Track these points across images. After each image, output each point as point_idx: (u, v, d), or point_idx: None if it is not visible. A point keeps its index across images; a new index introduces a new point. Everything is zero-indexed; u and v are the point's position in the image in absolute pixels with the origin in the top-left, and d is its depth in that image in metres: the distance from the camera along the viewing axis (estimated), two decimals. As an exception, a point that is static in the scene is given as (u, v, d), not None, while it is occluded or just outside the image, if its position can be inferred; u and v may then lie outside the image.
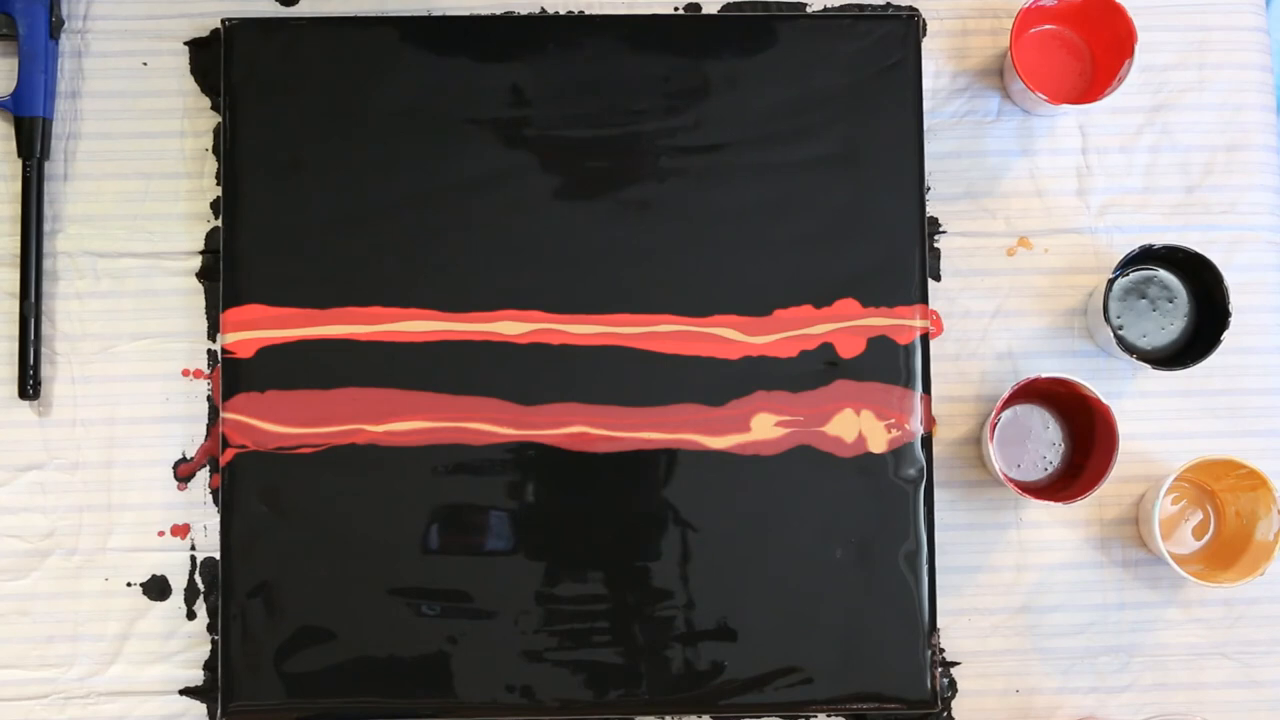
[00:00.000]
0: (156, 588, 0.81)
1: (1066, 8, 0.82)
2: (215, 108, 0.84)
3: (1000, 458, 0.81)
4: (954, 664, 0.81)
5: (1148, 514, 0.79)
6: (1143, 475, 0.82)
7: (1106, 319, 0.78)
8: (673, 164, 0.81)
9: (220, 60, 0.82)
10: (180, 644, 0.81)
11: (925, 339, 0.81)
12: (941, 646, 0.81)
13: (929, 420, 0.81)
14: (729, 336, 0.80)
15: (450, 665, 0.79)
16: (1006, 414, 0.82)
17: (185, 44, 0.84)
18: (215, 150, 0.83)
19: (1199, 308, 0.81)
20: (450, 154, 0.81)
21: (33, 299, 0.81)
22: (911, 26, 0.82)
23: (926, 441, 0.80)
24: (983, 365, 0.83)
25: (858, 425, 0.80)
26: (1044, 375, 0.77)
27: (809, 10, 0.84)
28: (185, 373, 0.82)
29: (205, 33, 0.84)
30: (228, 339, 0.80)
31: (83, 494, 0.81)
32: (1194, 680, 0.81)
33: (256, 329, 0.80)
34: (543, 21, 0.83)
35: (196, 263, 0.83)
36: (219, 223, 0.82)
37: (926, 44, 0.84)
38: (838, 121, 0.81)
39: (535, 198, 0.81)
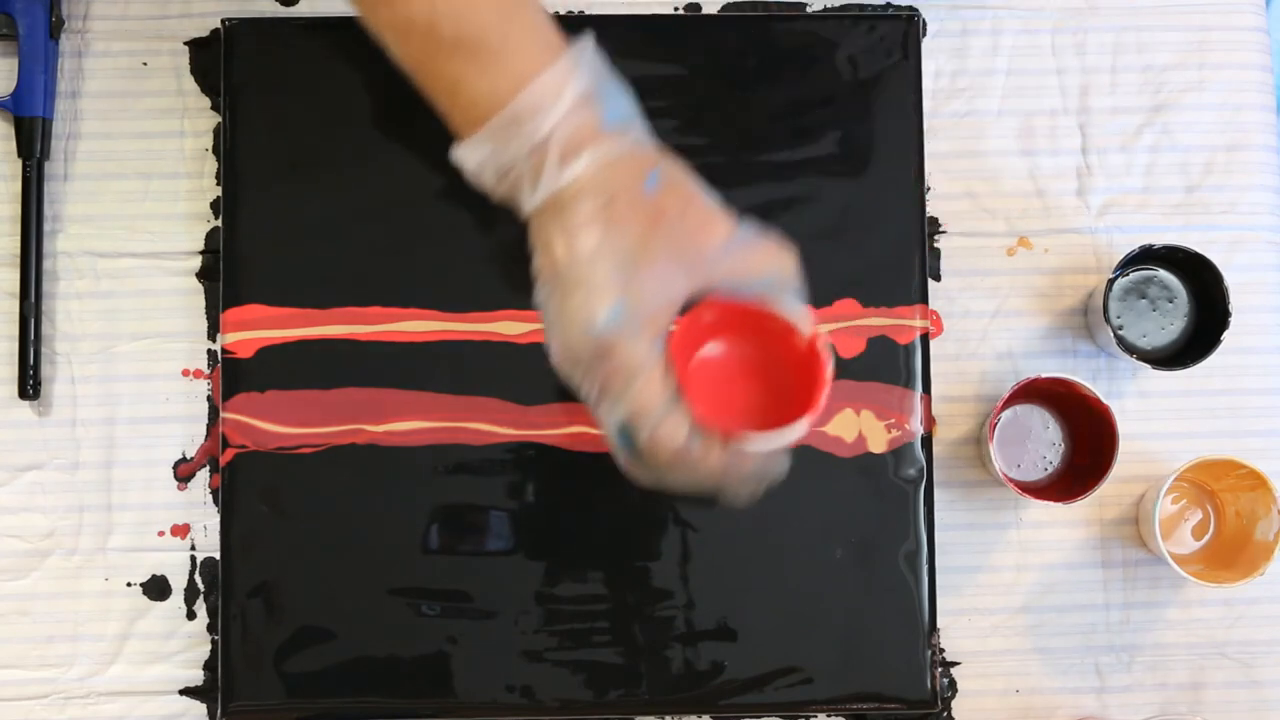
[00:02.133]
0: (156, 588, 0.81)
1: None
2: (215, 108, 0.84)
3: (1000, 458, 0.81)
4: (954, 664, 0.81)
5: (1148, 514, 0.79)
6: (1143, 475, 0.82)
7: (1106, 319, 0.78)
8: (673, 164, 0.81)
9: (220, 60, 0.82)
10: (180, 644, 0.81)
11: (925, 339, 0.81)
12: (941, 646, 0.81)
13: (929, 420, 0.81)
14: (729, 336, 0.80)
15: (450, 665, 0.79)
16: (1006, 414, 0.82)
17: (185, 44, 0.84)
18: (215, 150, 0.83)
19: (1199, 308, 0.81)
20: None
21: (33, 299, 0.81)
22: (912, 26, 0.82)
23: (926, 441, 0.80)
24: (983, 365, 0.83)
25: (858, 425, 0.80)
26: (1044, 375, 0.77)
27: (809, 10, 0.84)
28: (185, 373, 0.82)
29: (205, 33, 0.84)
30: (228, 339, 0.80)
31: (83, 494, 0.81)
32: (1194, 680, 0.81)
33: (256, 329, 0.80)
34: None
35: (196, 263, 0.83)
36: (219, 223, 0.82)
37: (926, 44, 0.84)
38: (838, 121, 0.81)
39: (535, 198, 0.81)
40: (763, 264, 0.62)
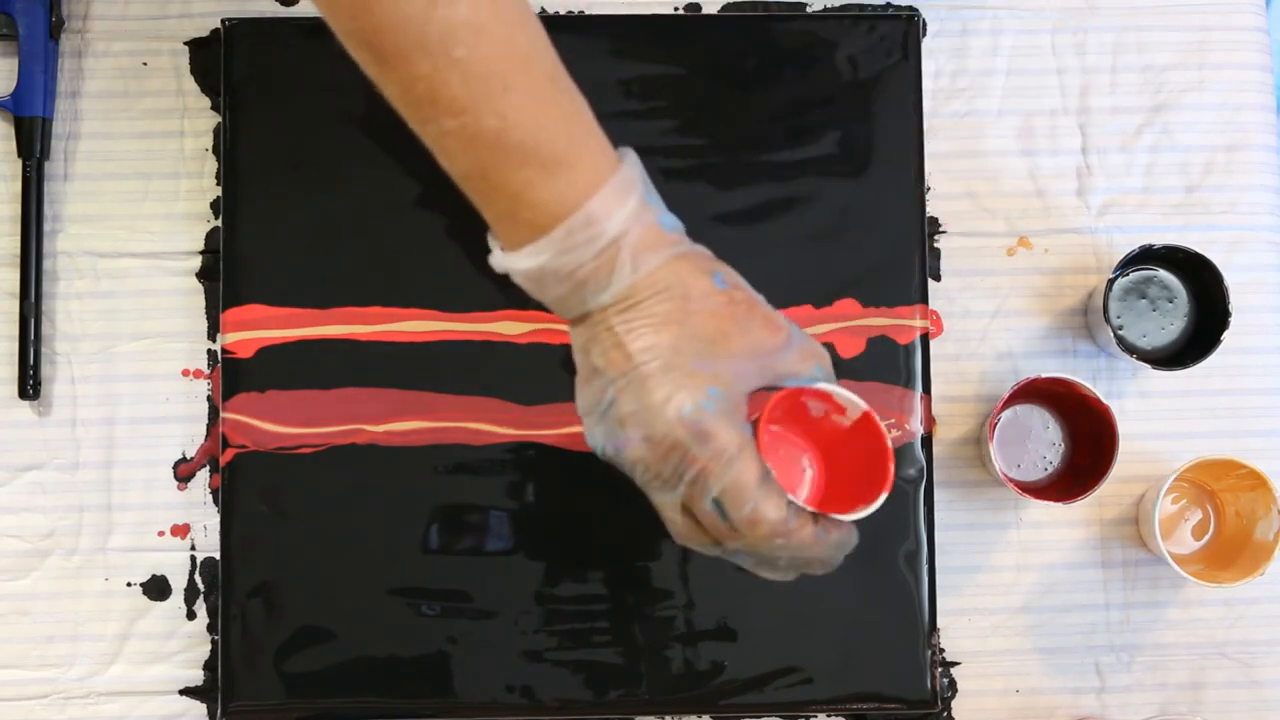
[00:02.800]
0: (156, 588, 0.81)
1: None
2: (215, 108, 0.84)
3: (1000, 458, 0.81)
4: (954, 664, 0.81)
5: (1148, 514, 0.79)
6: (1143, 475, 0.82)
7: (1106, 319, 0.78)
8: (672, 164, 0.81)
9: (220, 60, 0.82)
10: (180, 644, 0.81)
11: (925, 339, 0.81)
12: (941, 646, 0.81)
13: (929, 420, 0.81)
14: (729, 336, 0.80)
15: (450, 665, 0.79)
16: (1006, 414, 0.82)
17: (185, 44, 0.84)
18: (215, 150, 0.83)
19: (1199, 308, 0.81)
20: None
21: (33, 299, 0.81)
22: (911, 26, 0.82)
23: (926, 441, 0.80)
24: (983, 365, 0.83)
25: (858, 425, 0.80)
26: (1044, 375, 0.77)
27: (809, 10, 0.84)
28: (185, 373, 0.82)
29: (205, 33, 0.84)
30: (228, 339, 0.80)
31: (83, 494, 0.81)
32: (1194, 680, 0.81)
33: (256, 329, 0.80)
34: (542, 21, 0.83)
35: (196, 263, 0.83)
36: (219, 223, 0.82)
37: (926, 44, 0.84)
38: (838, 121, 0.81)
39: (535, 198, 0.81)
40: (812, 361, 0.65)
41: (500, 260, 0.63)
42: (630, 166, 0.62)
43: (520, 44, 0.60)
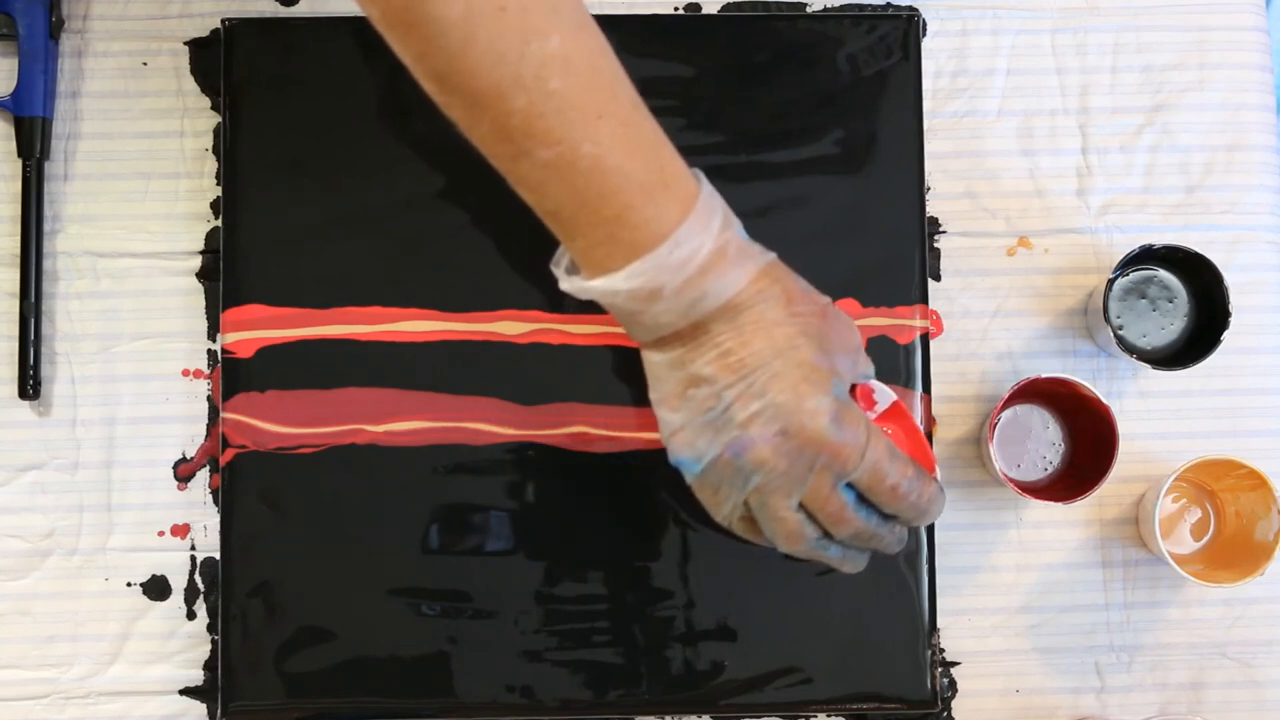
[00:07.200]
0: (156, 588, 0.81)
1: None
2: (215, 108, 0.84)
3: (1000, 458, 0.81)
4: (954, 664, 0.81)
5: (1148, 514, 0.79)
6: (1143, 475, 0.82)
7: (1106, 319, 0.78)
8: (673, 164, 0.81)
9: (220, 60, 0.82)
10: (180, 644, 0.81)
11: (925, 339, 0.81)
12: (941, 646, 0.81)
13: (929, 420, 0.81)
14: (729, 336, 0.80)
15: (450, 665, 0.79)
16: (1006, 414, 0.82)
17: (185, 44, 0.84)
18: (215, 150, 0.83)
19: (1199, 308, 0.81)
20: (451, 153, 0.81)
21: (33, 299, 0.81)
22: (912, 26, 0.82)
23: (927, 441, 0.80)
24: (983, 365, 0.83)
25: (858, 425, 0.80)
26: (1044, 375, 0.77)
27: (809, 10, 0.84)
28: (185, 373, 0.82)
29: (205, 33, 0.84)
30: (228, 339, 0.80)
31: (83, 494, 0.81)
32: (1194, 680, 0.81)
33: (256, 329, 0.80)
34: (543, 21, 0.83)
35: (196, 263, 0.83)
36: (219, 223, 0.82)
37: (926, 44, 0.84)
38: (838, 121, 0.81)
39: (535, 198, 0.81)
40: (870, 363, 0.71)
41: (589, 285, 0.64)
42: (708, 183, 0.64)
43: (605, 71, 0.62)
